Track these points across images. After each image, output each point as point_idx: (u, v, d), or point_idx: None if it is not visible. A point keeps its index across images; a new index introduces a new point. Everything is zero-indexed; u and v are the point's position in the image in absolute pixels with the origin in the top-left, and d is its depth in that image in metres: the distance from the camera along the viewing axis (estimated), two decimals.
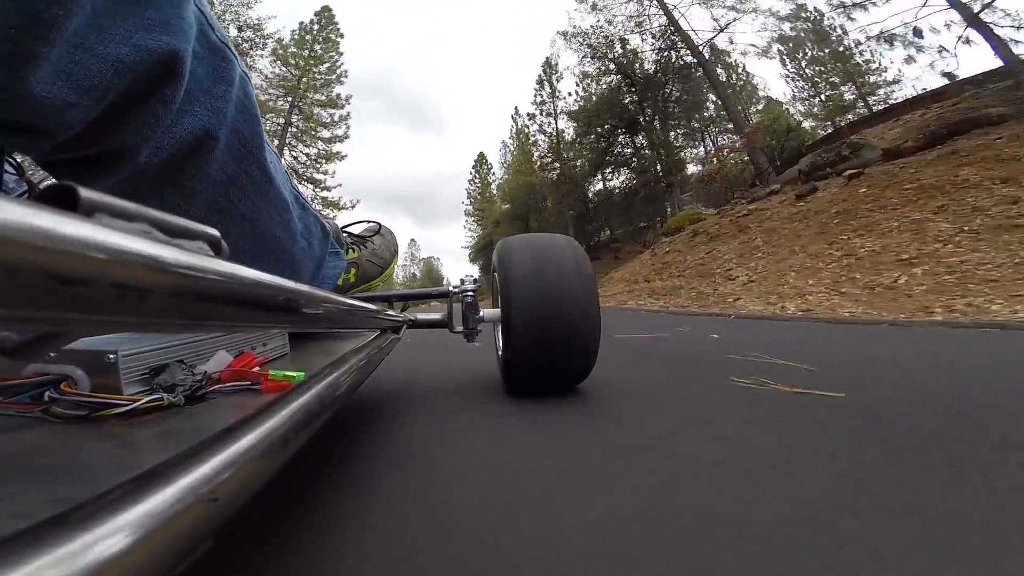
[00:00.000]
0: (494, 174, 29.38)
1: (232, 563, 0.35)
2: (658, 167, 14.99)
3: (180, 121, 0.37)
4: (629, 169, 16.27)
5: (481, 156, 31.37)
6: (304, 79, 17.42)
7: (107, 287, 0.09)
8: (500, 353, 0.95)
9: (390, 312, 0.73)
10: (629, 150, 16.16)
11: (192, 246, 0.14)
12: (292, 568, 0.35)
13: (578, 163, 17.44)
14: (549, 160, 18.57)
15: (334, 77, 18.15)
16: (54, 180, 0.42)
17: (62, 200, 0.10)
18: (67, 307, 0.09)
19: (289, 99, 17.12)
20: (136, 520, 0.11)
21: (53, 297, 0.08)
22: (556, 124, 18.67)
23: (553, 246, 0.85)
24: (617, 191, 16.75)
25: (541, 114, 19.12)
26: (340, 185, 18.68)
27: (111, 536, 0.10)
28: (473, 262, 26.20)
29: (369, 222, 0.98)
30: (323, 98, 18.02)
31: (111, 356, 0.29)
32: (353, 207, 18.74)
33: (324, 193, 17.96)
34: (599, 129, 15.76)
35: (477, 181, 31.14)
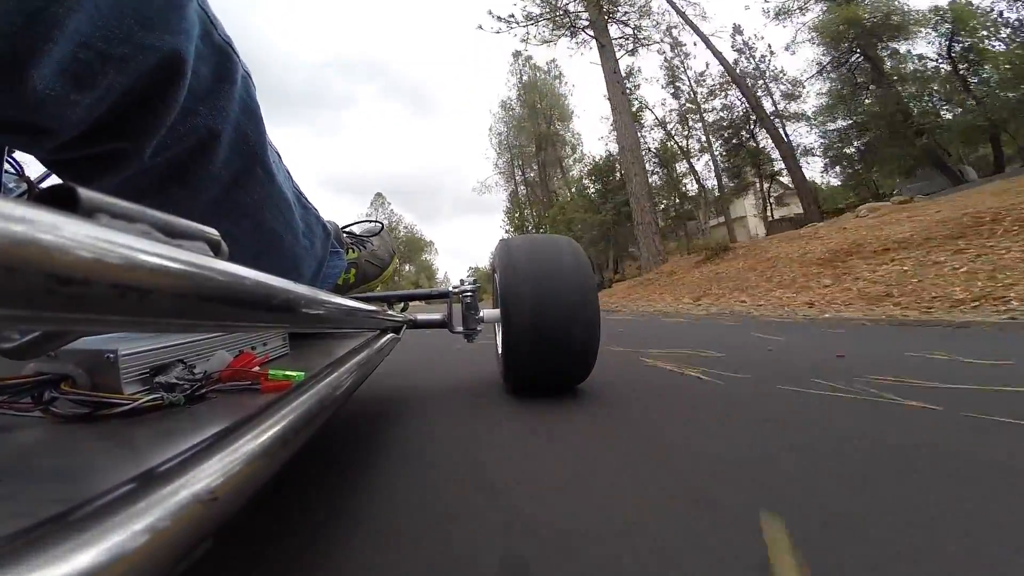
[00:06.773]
0: None
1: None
2: None
3: (183, 120, 0.37)
4: None
5: None
6: None
7: (107, 287, 0.09)
8: (500, 353, 0.95)
9: (390, 312, 0.73)
10: None
11: (192, 246, 0.14)
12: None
13: None
14: None
15: None
16: (55, 180, 0.42)
17: (62, 200, 0.11)
18: (67, 307, 0.09)
19: None
20: (136, 520, 0.11)
21: (53, 297, 0.08)
22: None
23: (554, 247, 0.85)
24: None
25: None
26: None
27: (111, 536, 0.10)
28: None
29: (372, 221, 0.98)
30: None
31: (111, 356, 0.29)
32: None
33: None
34: None
35: None
